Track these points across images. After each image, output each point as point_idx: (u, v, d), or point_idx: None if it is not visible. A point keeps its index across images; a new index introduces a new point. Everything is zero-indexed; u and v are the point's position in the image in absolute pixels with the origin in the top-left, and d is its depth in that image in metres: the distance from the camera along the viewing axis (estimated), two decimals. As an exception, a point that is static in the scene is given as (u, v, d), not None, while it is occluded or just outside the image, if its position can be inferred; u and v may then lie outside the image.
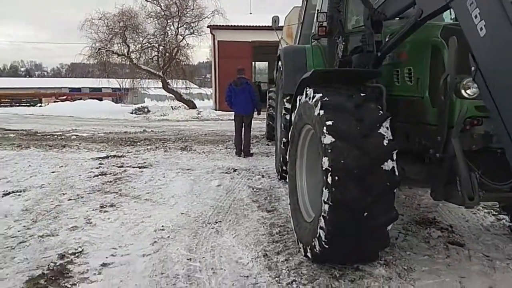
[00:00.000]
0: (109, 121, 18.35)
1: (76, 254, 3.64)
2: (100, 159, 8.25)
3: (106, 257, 3.56)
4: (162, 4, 23.96)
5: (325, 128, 2.83)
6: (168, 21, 24.21)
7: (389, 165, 2.76)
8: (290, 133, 3.95)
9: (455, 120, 2.76)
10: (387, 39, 3.58)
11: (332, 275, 3.21)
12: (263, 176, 6.70)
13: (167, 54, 24.35)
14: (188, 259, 3.52)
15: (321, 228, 2.90)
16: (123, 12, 23.57)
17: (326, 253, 3.03)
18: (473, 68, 2.32)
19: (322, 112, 2.93)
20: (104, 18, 22.63)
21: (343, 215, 2.78)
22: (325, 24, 4.42)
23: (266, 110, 11.09)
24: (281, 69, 5.68)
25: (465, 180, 2.61)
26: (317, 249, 3.05)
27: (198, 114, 21.87)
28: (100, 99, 34.93)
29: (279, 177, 6.39)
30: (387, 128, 2.86)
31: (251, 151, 8.89)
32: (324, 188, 2.82)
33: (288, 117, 4.78)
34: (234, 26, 23.43)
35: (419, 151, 3.26)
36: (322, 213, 2.86)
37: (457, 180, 2.72)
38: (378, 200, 2.76)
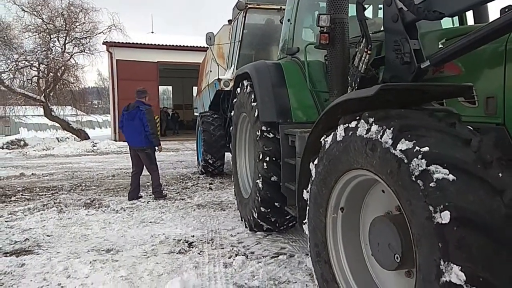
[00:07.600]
0: (-33, 161, 13.66)
1: None
2: None
3: None
4: (44, 16, 19.85)
5: (445, 210, 1.59)
6: (52, 36, 20.12)
7: None
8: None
9: None
10: (440, 46, 2.75)
11: None
12: (245, 256, 4.08)
13: (50, 74, 20.08)
14: None
15: None
16: (-9, 22, 19.04)
17: None
18: None
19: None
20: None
21: None
22: (327, 30, 3.39)
23: (196, 138, 9.97)
24: (250, 90, 4.52)
25: None
26: None
27: (94, 146, 18.08)
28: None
29: (253, 230, 4.77)
30: None
31: (164, 192, 7.07)
32: None
33: (270, 147, 4.12)
34: (137, 44, 20.31)
35: None
36: None
37: None
38: None
